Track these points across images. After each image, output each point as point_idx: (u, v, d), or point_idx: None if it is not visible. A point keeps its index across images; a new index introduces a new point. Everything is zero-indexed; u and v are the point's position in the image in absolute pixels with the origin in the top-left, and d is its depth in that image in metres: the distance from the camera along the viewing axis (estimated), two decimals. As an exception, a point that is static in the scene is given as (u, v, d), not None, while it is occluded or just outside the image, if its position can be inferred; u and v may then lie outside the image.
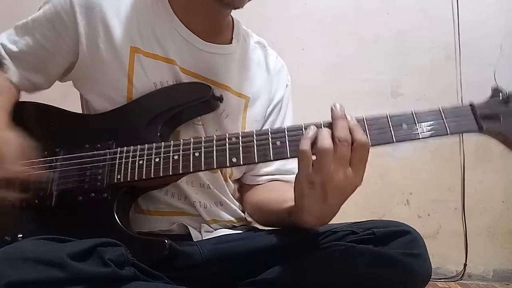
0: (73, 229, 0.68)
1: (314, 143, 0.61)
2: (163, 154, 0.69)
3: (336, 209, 0.64)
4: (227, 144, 0.67)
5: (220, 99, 0.79)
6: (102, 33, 0.77)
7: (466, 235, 1.93)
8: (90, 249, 0.54)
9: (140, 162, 0.69)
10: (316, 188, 0.60)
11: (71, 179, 0.71)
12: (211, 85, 0.78)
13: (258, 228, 0.87)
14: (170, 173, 0.68)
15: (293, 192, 0.66)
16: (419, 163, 1.95)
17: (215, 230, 0.81)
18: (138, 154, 0.70)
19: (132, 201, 0.76)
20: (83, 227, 0.69)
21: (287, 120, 0.94)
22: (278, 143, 0.64)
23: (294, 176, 0.92)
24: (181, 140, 0.70)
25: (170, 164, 0.68)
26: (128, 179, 0.69)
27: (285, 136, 0.65)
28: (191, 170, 0.67)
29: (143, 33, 0.79)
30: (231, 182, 0.87)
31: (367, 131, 0.63)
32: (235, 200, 0.88)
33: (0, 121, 0.73)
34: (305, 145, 0.61)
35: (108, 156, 0.71)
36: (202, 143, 0.68)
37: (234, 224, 0.86)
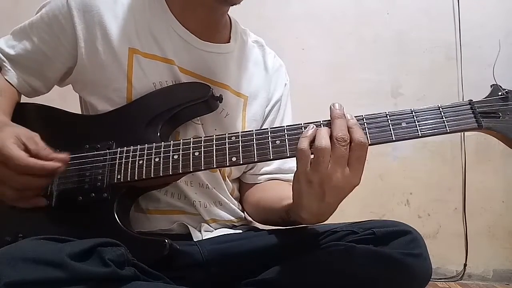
0: (73, 229, 0.68)
1: (312, 142, 0.61)
2: (163, 154, 0.69)
3: (334, 207, 0.64)
4: (226, 144, 0.67)
5: (220, 99, 0.80)
6: (100, 35, 0.77)
7: (466, 235, 1.93)
8: (90, 249, 0.54)
9: (140, 162, 0.69)
10: (314, 187, 0.60)
11: (71, 179, 0.71)
12: (210, 85, 0.79)
13: (258, 228, 0.87)
14: (170, 173, 0.68)
15: (291, 190, 0.66)
16: (419, 163, 1.95)
17: (215, 229, 0.81)
18: (138, 154, 0.70)
19: (132, 201, 0.76)
20: (83, 227, 0.69)
21: (286, 119, 0.94)
22: (277, 142, 0.65)
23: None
24: (181, 140, 0.70)
25: (170, 163, 0.68)
26: (128, 179, 0.69)
27: (284, 135, 0.65)
28: (191, 170, 0.67)
29: (140, 33, 0.79)
30: (229, 182, 0.87)
31: (367, 129, 0.63)
32: (234, 200, 0.88)
33: (3, 119, 0.73)
34: (304, 143, 0.61)
35: (108, 156, 0.72)
36: (202, 142, 0.68)
37: (234, 224, 0.86)
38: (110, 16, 0.78)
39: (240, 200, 0.91)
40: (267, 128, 0.66)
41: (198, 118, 0.81)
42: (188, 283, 0.67)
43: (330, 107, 0.63)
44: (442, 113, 0.63)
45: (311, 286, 0.65)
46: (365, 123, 0.64)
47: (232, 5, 0.80)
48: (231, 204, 0.85)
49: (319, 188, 0.60)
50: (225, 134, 0.68)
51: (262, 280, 0.67)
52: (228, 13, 0.88)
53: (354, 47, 2.02)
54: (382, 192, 1.94)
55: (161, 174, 0.68)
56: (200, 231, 0.79)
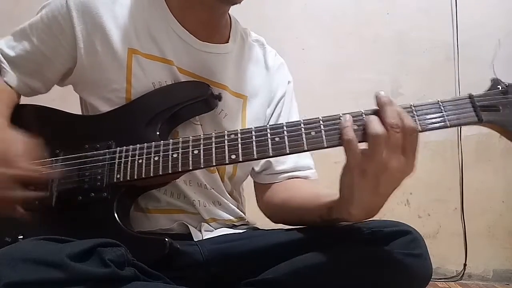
0: (73, 229, 0.68)
1: (356, 130, 0.60)
2: (162, 152, 0.69)
3: (385, 199, 0.62)
4: (226, 141, 0.66)
5: (219, 97, 0.79)
6: (100, 36, 0.77)
7: (466, 235, 1.93)
8: (90, 249, 0.54)
9: (140, 161, 0.69)
10: (368, 177, 0.59)
11: (71, 179, 0.71)
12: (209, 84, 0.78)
13: (258, 228, 0.87)
14: (170, 171, 0.67)
15: (323, 188, 0.64)
16: (419, 163, 1.93)
17: (215, 229, 0.81)
18: (137, 153, 0.70)
19: (132, 201, 0.76)
20: (83, 227, 0.69)
21: (293, 115, 0.93)
22: (277, 139, 0.64)
23: (311, 171, 0.90)
24: (180, 138, 0.70)
25: (169, 162, 0.68)
26: (128, 178, 0.69)
27: (283, 132, 0.64)
28: (190, 168, 0.67)
29: (140, 34, 0.79)
30: (228, 182, 0.86)
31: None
32: (233, 200, 0.88)
33: (2, 122, 0.73)
34: (350, 133, 0.59)
35: (108, 156, 0.71)
36: (201, 140, 0.68)
37: (234, 224, 0.86)
38: (110, 17, 0.78)
39: (259, 204, 0.90)
40: (266, 125, 0.66)
41: (197, 118, 0.80)
42: (188, 283, 0.66)
43: (376, 95, 0.62)
44: (442, 107, 0.63)
45: (311, 286, 0.65)
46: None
47: (233, 5, 0.79)
48: (230, 204, 0.85)
49: (374, 179, 0.59)
50: (224, 132, 0.67)
51: (262, 280, 0.67)
52: (229, 12, 0.87)
53: (354, 47, 2.02)
54: (382, 192, 1.93)
55: (160, 173, 0.68)
56: (200, 231, 0.79)
